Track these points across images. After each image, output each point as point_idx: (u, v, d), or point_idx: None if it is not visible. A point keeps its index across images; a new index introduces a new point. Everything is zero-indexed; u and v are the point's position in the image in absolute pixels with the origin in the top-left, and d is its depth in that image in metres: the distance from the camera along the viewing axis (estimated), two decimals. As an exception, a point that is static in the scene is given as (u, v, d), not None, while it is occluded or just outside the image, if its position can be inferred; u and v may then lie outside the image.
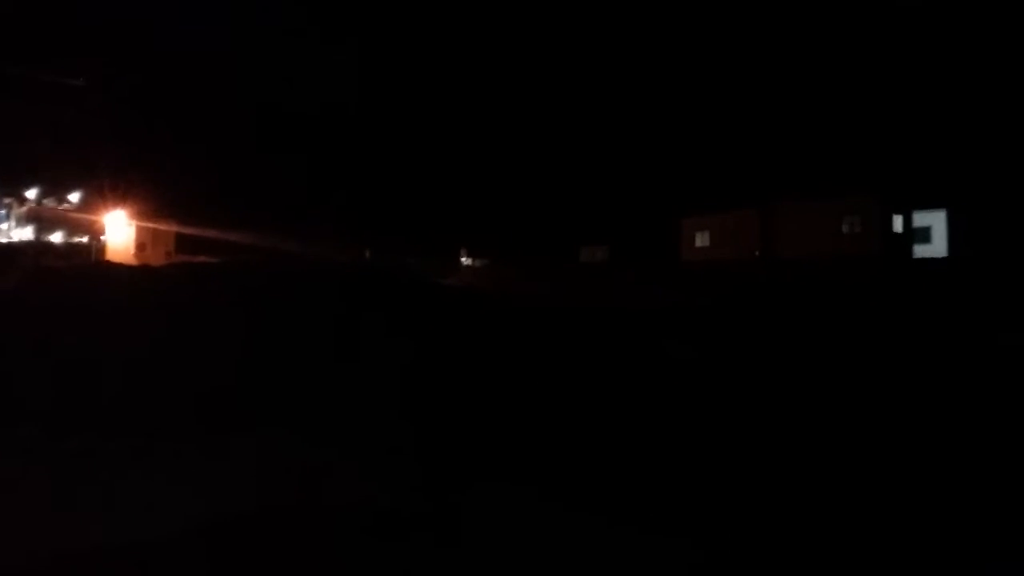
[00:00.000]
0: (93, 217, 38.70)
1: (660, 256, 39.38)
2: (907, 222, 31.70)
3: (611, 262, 41.94)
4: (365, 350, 12.76)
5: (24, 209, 50.08)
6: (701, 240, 37.28)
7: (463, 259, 53.21)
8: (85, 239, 43.25)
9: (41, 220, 48.17)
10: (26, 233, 48.13)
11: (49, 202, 50.26)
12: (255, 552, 5.78)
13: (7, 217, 50.84)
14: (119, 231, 33.93)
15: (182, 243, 34.67)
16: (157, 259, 30.08)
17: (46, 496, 6.94)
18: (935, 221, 31.59)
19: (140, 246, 33.22)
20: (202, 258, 29.84)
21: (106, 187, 34.75)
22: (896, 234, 31.49)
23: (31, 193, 51.02)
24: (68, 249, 41.44)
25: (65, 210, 48.25)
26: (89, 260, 32.99)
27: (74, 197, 48.81)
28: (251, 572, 5.47)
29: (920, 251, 31.08)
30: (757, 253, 33.32)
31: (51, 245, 42.14)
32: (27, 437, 8.72)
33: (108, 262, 27.44)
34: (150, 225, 33.99)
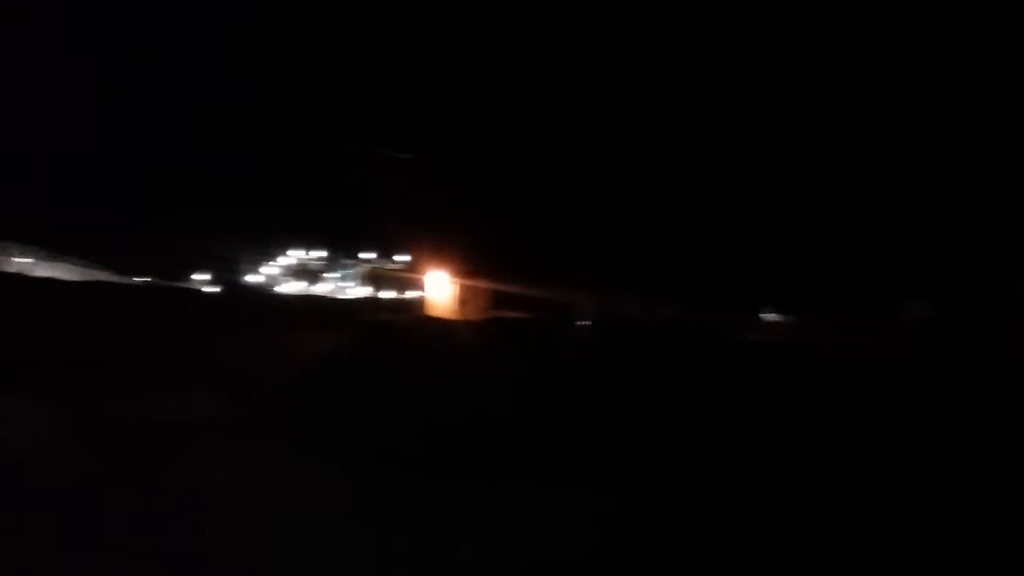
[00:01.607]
0: (420, 275, 42.69)
1: (998, 310, 34.59)
2: None
3: (943, 318, 37.55)
4: (670, 408, 12.58)
5: (362, 269, 56.65)
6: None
7: (765, 314, 50.64)
8: (413, 295, 47.80)
9: (375, 279, 53.91)
10: (363, 291, 54.30)
11: (382, 262, 56.32)
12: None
13: (349, 277, 57.90)
14: (442, 288, 37.01)
15: (498, 299, 36.93)
16: (475, 314, 32.33)
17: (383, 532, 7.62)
18: None
19: (460, 302, 35.92)
20: (514, 314, 31.59)
21: (430, 248, 38.15)
22: None
23: (367, 255, 57.65)
24: (398, 305, 45.97)
25: (395, 270, 53.75)
26: (416, 315, 36.34)
27: (402, 257, 54.18)
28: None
29: None
30: None
31: (384, 301, 47.01)
32: (365, 474, 9.68)
33: (432, 317, 29.98)
34: (468, 282, 36.67)
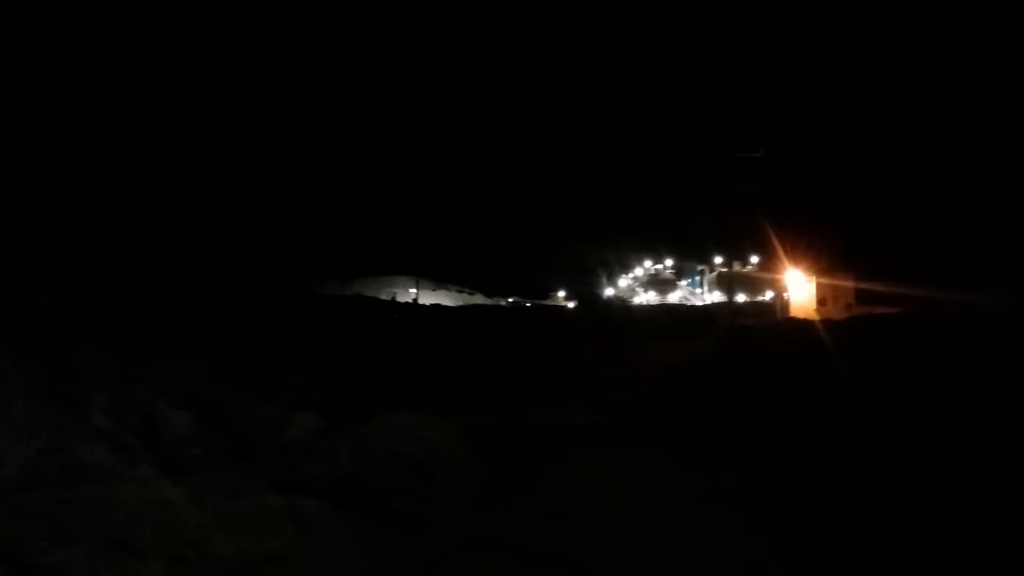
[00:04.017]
0: (774, 276, 41.14)
1: None
2: None
3: None
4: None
5: (714, 274, 56.05)
6: None
7: None
8: (768, 297, 46.21)
9: (728, 282, 53.10)
10: (716, 296, 53.67)
11: (735, 266, 55.27)
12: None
13: (701, 283, 57.60)
14: (800, 288, 35.28)
15: (863, 296, 34.33)
16: (838, 313, 30.25)
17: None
18: None
19: (821, 301, 33.99)
20: (881, 310, 28.99)
21: (785, 248, 36.61)
22: None
23: (718, 259, 57.00)
24: (753, 308, 44.75)
25: (748, 272, 52.39)
26: (774, 317, 35.00)
27: (755, 259, 52.71)
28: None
29: None
30: None
31: (739, 305, 46.03)
32: (733, 485, 9.43)
33: (793, 318, 28.66)
34: (829, 281, 34.58)
